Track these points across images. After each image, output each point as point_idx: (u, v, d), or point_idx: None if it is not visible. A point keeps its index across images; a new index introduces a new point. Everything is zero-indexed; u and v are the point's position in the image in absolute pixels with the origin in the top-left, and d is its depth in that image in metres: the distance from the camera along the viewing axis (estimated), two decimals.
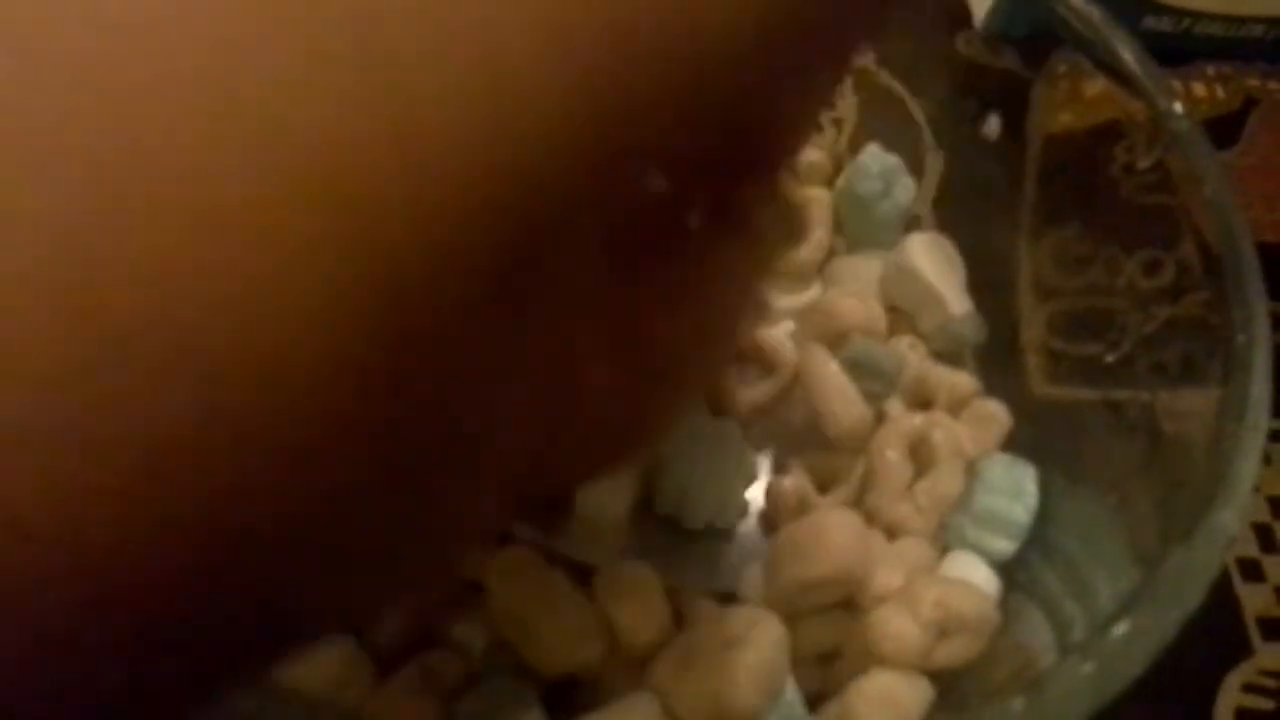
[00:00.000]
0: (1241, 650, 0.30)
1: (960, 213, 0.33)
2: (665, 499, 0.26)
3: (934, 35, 0.34)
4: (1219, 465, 0.19)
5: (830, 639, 0.23)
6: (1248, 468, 0.19)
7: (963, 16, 0.33)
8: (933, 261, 0.28)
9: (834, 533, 0.22)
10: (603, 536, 0.24)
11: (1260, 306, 0.21)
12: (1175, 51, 0.43)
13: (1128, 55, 0.25)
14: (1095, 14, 0.26)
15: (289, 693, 0.16)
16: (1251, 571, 0.31)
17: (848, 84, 0.36)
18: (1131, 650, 0.17)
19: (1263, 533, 0.32)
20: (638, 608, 0.21)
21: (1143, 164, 0.25)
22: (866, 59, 0.36)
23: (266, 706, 0.16)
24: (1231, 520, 0.18)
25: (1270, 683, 0.29)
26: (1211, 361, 0.22)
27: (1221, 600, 0.31)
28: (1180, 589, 0.17)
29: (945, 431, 0.25)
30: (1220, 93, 0.43)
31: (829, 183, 0.31)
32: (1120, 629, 0.17)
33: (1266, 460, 0.34)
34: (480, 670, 0.22)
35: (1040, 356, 0.30)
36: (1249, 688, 0.29)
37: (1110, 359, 0.27)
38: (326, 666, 0.20)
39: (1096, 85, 0.28)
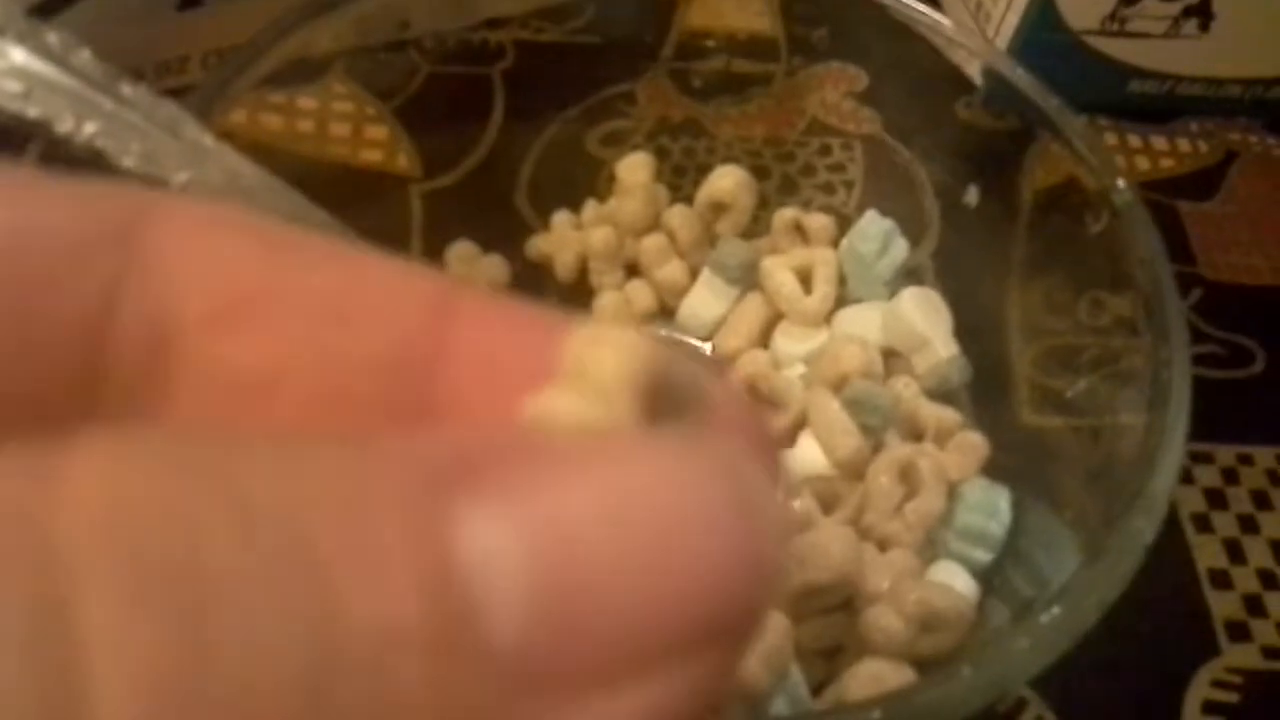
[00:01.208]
0: (1211, 650, 0.34)
1: (958, 263, 0.37)
2: None
3: (937, 102, 0.38)
4: (1139, 480, 0.23)
5: (832, 636, 0.28)
6: (1163, 484, 0.23)
7: (965, 83, 0.37)
8: (923, 312, 0.33)
9: (832, 546, 0.26)
10: None
11: (1182, 350, 0.25)
12: (1161, 110, 0.48)
13: (1078, 141, 0.29)
14: (1052, 103, 0.30)
15: None
16: (1221, 580, 0.35)
17: (857, 149, 0.41)
18: (1059, 630, 0.21)
19: (1231, 546, 0.36)
20: None
21: (1094, 229, 0.29)
22: (875, 126, 0.40)
23: None
24: (1147, 528, 0.22)
25: (1236, 679, 0.33)
26: (1145, 395, 0.26)
27: (1193, 607, 0.34)
28: (1102, 584, 0.22)
29: (930, 459, 0.29)
30: (1203, 147, 0.47)
31: (835, 243, 0.36)
32: (1049, 614, 0.21)
33: (1235, 480, 0.38)
34: None
35: (1026, 389, 0.34)
36: (1217, 683, 0.33)
37: (1071, 392, 0.31)
38: None
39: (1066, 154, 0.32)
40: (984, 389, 0.35)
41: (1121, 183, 0.28)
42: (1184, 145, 0.47)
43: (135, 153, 0.25)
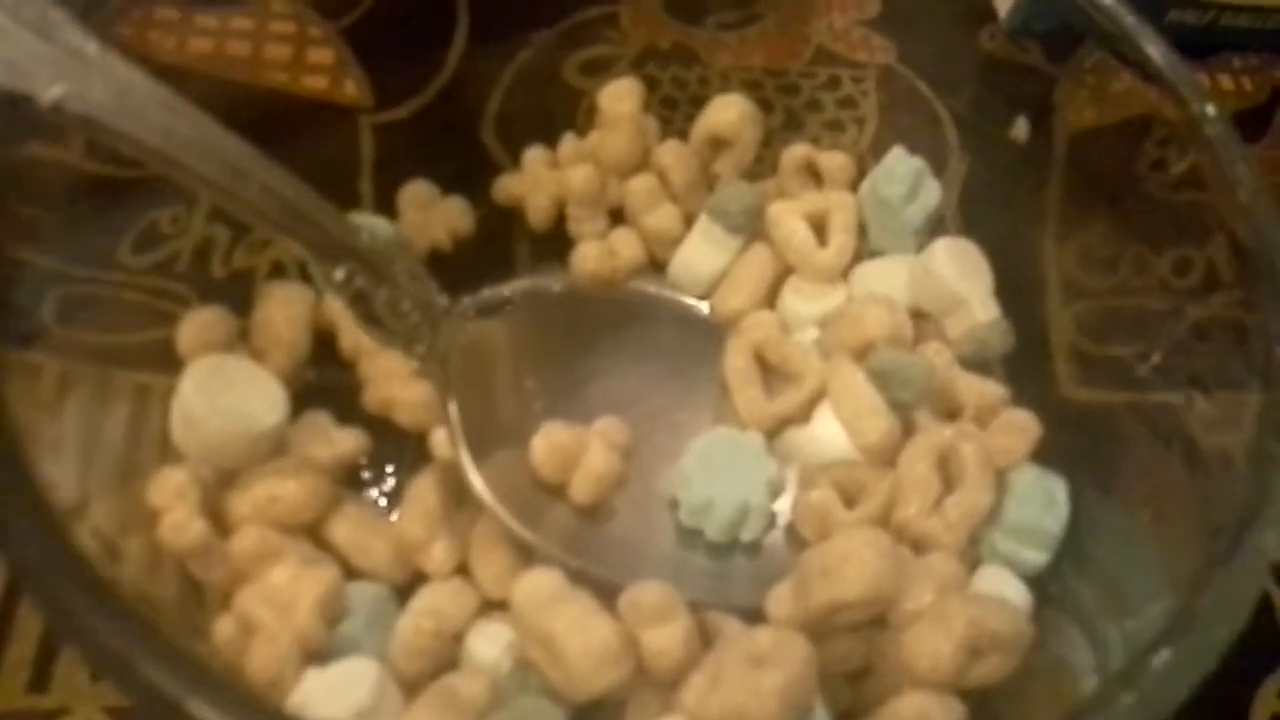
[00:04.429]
0: (1277, 657, 0.30)
1: (986, 212, 0.32)
2: (689, 511, 0.26)
3: (958, 32, 0.33)
4: (1259, 483, 0.18)
5: (859, 657, 0.23)
6: None
7: (987, 12, 0.33)
8: (959, 267, 0.28)
9: (865, 553, 0.21)
10: (630, 557, 0.24)
11: None
12: (1201, 44, 0.43)
13: (1156, 53, 0.24)
14: (1122, 11, 0.25)
15: None
16: None
17: (870, 82, 0.36)
18: (1174, 678, 0.16)
19: None
20: (664, 629, 0.21)
21: (1176, 168, 0.24)
22: (889, 57, 0.35)
23: None
24: (1274, 541, 0.18)
25: None
26: (1248, 368, 0.22)
27: (1257, 607, 0.30)
28: (1222, 613, 0.17)
29: (975, 444, 0.25)
30: (1247, 85, 0.43)
31: (853, 186, 0.31)
32: (1161, 657, 0.16)
33: None
34: (507, 693, 0.22)
35: (1070, 359, 0.29)
36: None
37: (1141, 363, 0.27)
38: (356, 696, 0.20)
39: (1124, 81, 0.28)
40: (1023, 355, 0.30)
41: (1211, 109, 0.23)
42: (1226, 83, 0.43)
43: None
